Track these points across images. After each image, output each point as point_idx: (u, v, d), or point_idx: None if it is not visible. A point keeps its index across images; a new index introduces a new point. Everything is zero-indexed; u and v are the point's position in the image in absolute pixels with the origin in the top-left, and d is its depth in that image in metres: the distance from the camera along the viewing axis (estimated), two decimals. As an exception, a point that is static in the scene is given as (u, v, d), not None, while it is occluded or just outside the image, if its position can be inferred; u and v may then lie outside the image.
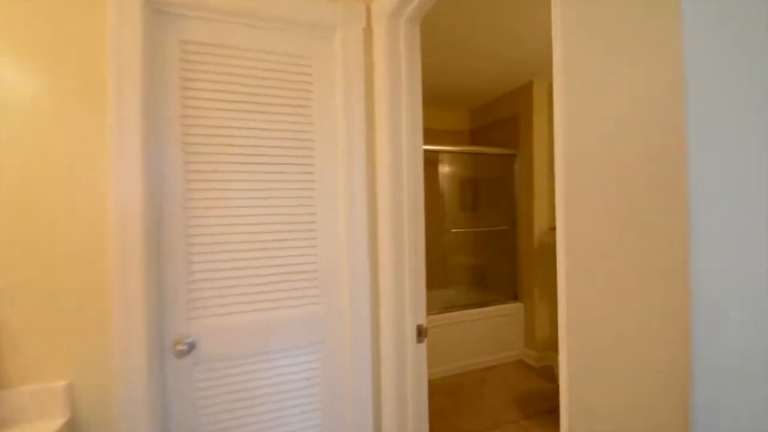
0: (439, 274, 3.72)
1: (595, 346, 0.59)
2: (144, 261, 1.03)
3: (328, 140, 1.28)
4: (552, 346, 3.13)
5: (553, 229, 3.01)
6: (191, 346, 1.11)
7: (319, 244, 1.28)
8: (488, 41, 2.42)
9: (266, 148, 1.21)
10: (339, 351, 1.29)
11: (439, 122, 3.83)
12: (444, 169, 3.82)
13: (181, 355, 1.09)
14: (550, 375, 2.92)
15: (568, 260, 0.63)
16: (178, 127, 1.12)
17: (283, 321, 1.23)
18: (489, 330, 3.13)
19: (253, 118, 1.19)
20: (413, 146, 1.29)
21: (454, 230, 3.70)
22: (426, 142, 1.38)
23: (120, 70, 1.02)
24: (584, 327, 0.61)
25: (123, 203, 1.02)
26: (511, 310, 3.24)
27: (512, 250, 3.36)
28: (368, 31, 1.27)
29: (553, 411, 2.44)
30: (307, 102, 1.26)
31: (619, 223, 0.54)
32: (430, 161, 3.66)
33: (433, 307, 2.98)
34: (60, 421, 0.94)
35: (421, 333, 1.28)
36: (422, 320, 1.29)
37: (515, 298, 3.33)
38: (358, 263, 1.28)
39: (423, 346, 1.30)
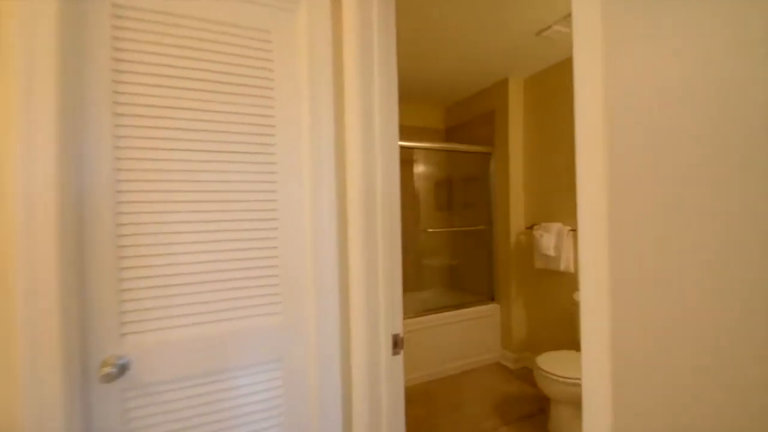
0: (414, 276, 3.61)
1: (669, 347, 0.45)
2: (59, 265, 0.84)
3: (291, 127, 1.13)
4: (529, 347, 3.08)
5: (530, 228, 2.96)
6: (123, 369, 0.92)
7: (280, 245, 1.11)
8: (463, 36, 2.33)
9: (218, 134, 1.04)
10: (303, 367, 1.14)
11: (414, 119, 3.73)
12: (419, 167, 3.72)
13: (109, 379, 0.90)
14: (528, 377, 2.86)
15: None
16: (106, 105, 0.93)
17: (238, 334, 1.06)
18: (466, 333, 3.05)
19: (200, 98, 1.02)
20: (387, 134, 1.16)
21: (430, 230, 3.61)
22: (400, 139, 1.26)
23: (28, 36, 0.82)
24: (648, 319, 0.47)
25: (31, 193, 0.82)
26: (488, 311, 3.16)
27: (489, 250, 3.30)
28: (336, 1, 1.13)
29: (532, 416, 2.37)
30: (267, 83, 1.10)
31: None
32: (405, 159, 3.55)
33: (408, 311, 2.85)
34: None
35: (397, 344, 1.15)
36: (398, 329, 1.16)
37: (492, 299, 3.26)
38: (326, 267, 1.13)
39: (399, 358, 1.16)
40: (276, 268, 1.11)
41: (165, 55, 0.98)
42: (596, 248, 0.50)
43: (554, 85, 2.80)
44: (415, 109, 3.75)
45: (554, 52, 2.59)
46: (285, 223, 1.12)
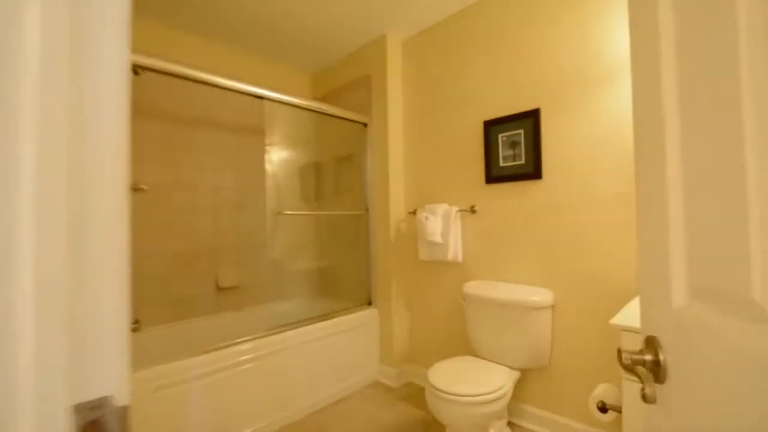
0: (273, 283, 2.78)
1: None
2: None
3: None
4: (413, 357, 2.57)
5: (412, 213, 2.47)
6: None
7: None
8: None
9: None
10: None
11: (274, 83, 2.95)
12: (280, 151, 2.93)
13: None
14: (413, 395, 2.33)
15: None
16: None
17: None
18: (337, 350, 2.36)
19: None
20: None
21: (288, 212, 2.83)
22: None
23: None
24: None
25: None
26: (364, 318, 2.55)
27: (365, 243, 2.71)
28: None
29: (423, 451, 1.81)
30: None
31: None
32: (256, 127, 2.73)
33: (255, 329, 2.03)
34: None
35: (101, 428, 0.38)
36: (110, 388, 0.39)
37: (369, 303, 2.67)
38: None
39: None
40: None
41: None
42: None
43: (438, 49, 2.40)
44: (274, 70, 2.98)
45: (438, 2, 2.17)
46: None
